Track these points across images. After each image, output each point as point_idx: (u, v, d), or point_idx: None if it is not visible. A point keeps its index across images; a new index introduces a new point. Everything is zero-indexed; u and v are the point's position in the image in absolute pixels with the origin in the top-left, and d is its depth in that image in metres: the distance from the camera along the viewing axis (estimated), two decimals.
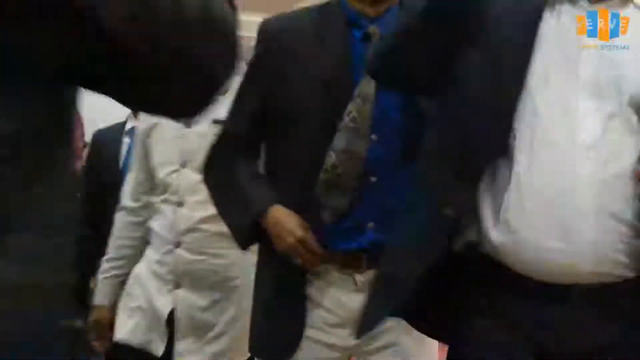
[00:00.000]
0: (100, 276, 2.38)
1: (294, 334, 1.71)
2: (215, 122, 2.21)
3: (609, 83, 1.30)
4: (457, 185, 1.40)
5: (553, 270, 1.32)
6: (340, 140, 1.65)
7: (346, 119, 1.66)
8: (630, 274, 1.34)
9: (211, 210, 2.14)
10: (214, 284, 2.23)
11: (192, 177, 2.21)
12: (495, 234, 1.35)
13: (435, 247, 1.40)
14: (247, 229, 1.75)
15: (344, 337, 1.68)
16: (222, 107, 2.22)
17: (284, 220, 1.68)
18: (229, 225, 1.82)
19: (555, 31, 1.32)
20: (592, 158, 1.31)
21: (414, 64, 1.43)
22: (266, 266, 1.79)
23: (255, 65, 1.80)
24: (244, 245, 1.83)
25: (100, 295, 2.38)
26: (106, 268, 2.38)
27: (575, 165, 1.31)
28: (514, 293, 1.36)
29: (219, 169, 1.86)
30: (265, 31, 1.78)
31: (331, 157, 1.65)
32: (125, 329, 2.24)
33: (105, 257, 2.39)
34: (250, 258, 2.19)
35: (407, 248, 1.45)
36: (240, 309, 2.22)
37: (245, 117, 1.81)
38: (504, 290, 1.37)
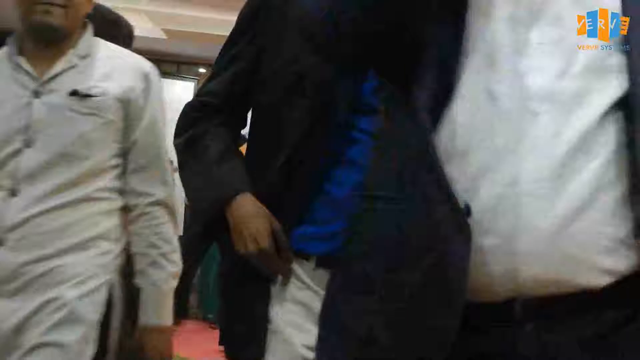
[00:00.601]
0: None
1: (257, 333, 1.51)
2: (73, 93, 1.86)
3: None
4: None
5: (483, 280, 0.92)
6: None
7: None
8: (603, 280, 0.93)
9: (54, 202, 1.80)
10: (43, 289, 1.83)
11: (38, 159, 1.83)
12: None
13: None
14: (210, 219, 1.52)
15: None
16: (84, 77, 1.88)
17: (250, 218, 1.45)
18: (193, 211, 1.59)
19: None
20: (546, 111, 0.94)
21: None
22: (230, 254, 1.57)
23: (249, 19, 1.57)
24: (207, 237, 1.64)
25: None
26: None
27: (522, 121, 0.93)
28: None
29: (191, 131, 1.58)
30: None
31: None
32: None
33: None
34: (98, 259, 1.86)
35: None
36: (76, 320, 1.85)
37: (228, 79, 1.58)
38: None
